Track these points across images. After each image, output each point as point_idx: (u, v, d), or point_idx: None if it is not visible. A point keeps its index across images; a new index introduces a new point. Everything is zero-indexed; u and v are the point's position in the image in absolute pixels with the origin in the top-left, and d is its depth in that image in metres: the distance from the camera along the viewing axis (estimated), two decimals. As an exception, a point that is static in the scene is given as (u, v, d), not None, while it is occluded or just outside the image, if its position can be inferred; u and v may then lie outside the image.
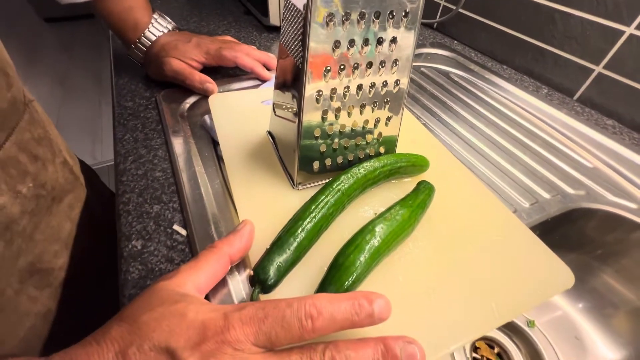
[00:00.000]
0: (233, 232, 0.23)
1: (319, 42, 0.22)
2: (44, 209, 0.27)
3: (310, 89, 0.24)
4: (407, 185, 0.31)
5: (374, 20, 0.23)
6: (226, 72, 0.48)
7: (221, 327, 0.16)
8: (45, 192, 0.27)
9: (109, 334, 0.16)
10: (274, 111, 0.32)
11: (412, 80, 0.53)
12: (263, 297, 0.21)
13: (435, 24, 0.67)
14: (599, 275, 0.36)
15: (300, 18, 0.22)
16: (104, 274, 0.35)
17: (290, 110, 0.28)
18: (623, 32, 0.41)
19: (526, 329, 0.37)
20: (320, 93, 0.25)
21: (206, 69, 0.44)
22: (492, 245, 0.27)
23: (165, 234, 0.27)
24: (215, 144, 0.37)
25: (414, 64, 0.57)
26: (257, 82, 0.47)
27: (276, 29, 0.61)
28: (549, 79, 0.50)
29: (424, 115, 0.45)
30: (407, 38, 0.25)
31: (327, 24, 0.22)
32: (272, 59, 0.47)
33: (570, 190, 0.35)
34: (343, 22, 0.22)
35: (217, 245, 0.22)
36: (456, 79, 0.53)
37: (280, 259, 0.21)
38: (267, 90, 0.43)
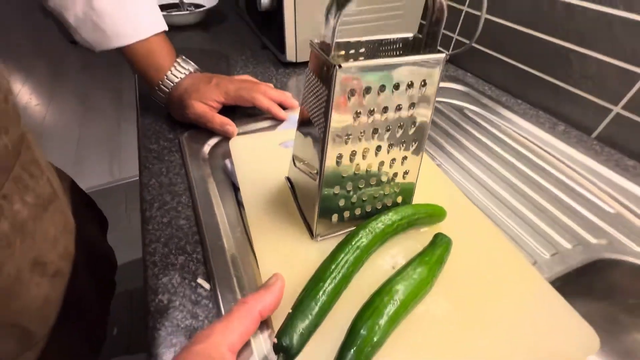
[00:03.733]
0: (264, 287, 0.24)
1: (340, 116, 0.23)
2: (38, 216, 0.32)
3: (331, 155, 0.25)
4: (424, 234, 0.31)
5: (393, 91, 0.24)
6: (244, 112, 0.49)
7: None
8: (40, 202, 0.33)
9: None
10: (294, 162, 0.33)
11: (426, 116, 0.53)
12: (286, 364, 0.22)
13: (448, 56, 0.68)
14: (628, 330, 0.35)
15: (323, 93, 0.23)
16: (82, 267, 0.41)
17: (309, 167, 0.29)
18: (641, 75, 0.41)
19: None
20: (341, 157, 0.26)
21: (225, 108, 0.46)
22: (513, 304, 0.27)
23: (190, 288, 0.28)
24: (235, 189, 0.38)
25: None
26: (274, 122, 0.48)
27: (292, 65, 0.63)
28: (566, 116, 0.50)
29: (439, 155, 0.46)
30: (425, 103, 0.26)
31: (349, 99, 0.23)
32: (288, 97, 0.48)
33: (592, 240, 0.34)
34: (364, 96, 0.23)
35: (248, 301, 0.23)
36: (470, 114, 0.54)
37: (302, 325, 0.22)
38: (284, 132, 0.45)
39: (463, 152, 0.46)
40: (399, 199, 0.33)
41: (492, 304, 0.27)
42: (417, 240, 0.31)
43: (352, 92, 0.22)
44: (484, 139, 0.48)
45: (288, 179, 0.37)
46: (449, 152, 0.46)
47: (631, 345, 0.35)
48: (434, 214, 0.32)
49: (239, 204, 0.37)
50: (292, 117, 0.48)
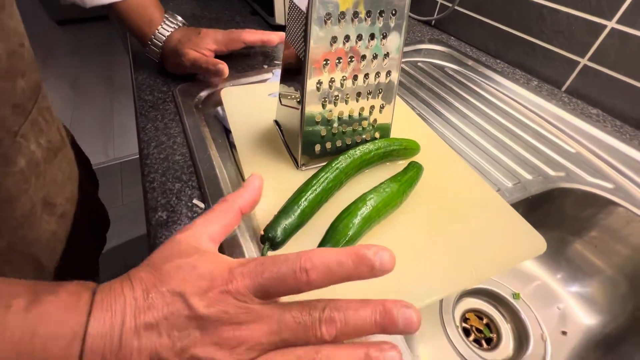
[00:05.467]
0: (242, 186, 0.25)
1: (318, 38, 0.26)
2: (49, 160, 0.34)
3: (311, 80, 0.28)
4: (400, 167, 0.35)
5: (366, 19, 0.26)
6: (235, 68, 0.51)
7: (225, 279, 0.19)
8: (51, 147, 0.34)
9: (138, 276, 0.19)
10: (280, 101, 0.36)
11: (409, 75, 0.56)
12: (271, 253, 0.25)
13: (433, 21, 0.70)
14: (575, 248, 0.39)
15: (303, 17, 0.26)
16: (82, 216, 0.42)
17: (294, 99, 0.32)
18: (605, 26, 0.44)
19: (512, 300, 0.40)
20: (320, 83, 0.29)
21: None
22: (473, 217, 0.31)
23: (187, 207, 0.31)
24: (227, 132, 0.41)
25: (412, 59, 0.60)
26: (263, 77, 0.51)
27: (282, 28, 0.65)
28: (539, 72, 0.53)
29: (420, 107, 0.49)
30: (396, 33, 0.29)
31: (325, 23, 0.25)
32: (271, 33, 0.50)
33: (551, 172, 0.38)
34: (339, 21, 0.26)
35: (227, 198, 0.24)
36: (451, 72, 0.56)
37: (286, 222, 0.25)
38: (274, 85, 0.47)
39: (442, 103, 0.49)
40: (377, 135, 0.36)
41: (457, 217, 0.31)
42: (393, 171, 0.34)
43: (328, 16, 0.25)
44: (462, 93, 0.51)
45: (276, 121, 0.39)
46: (430, 104, 0.49)
47: (571, 255, 0.39)
48: (409, 147, 0.35)
49: (231, 145, 0.39)
50: (278, 72, 0.50)
